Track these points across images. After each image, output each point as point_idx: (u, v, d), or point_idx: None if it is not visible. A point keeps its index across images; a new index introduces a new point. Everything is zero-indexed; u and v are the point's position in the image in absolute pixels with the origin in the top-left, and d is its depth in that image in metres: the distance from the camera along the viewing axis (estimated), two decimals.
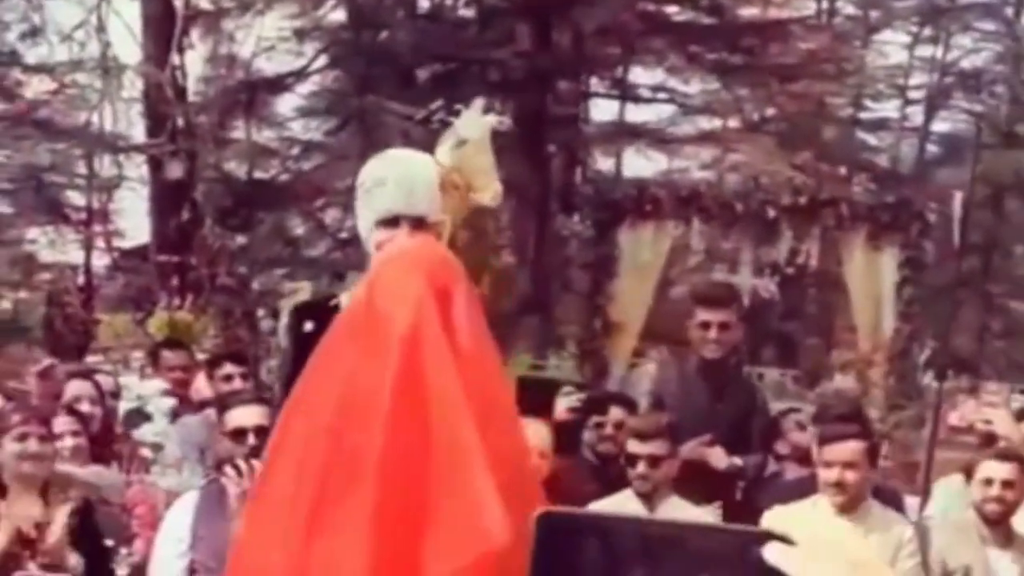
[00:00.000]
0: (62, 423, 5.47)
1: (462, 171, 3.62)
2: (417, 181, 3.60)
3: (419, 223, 3.57)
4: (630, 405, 6.51)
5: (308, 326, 3.85)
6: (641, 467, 5.48)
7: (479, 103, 3.70)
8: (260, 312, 17.84)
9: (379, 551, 3.03)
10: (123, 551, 5.08)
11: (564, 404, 5.79)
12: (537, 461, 4.90)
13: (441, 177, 3.61)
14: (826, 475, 5.26)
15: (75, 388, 6.31)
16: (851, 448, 5.24)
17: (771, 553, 1.27)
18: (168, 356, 7.66)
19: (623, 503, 5.47)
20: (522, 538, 2.97)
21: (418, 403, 3.12)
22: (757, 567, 1.27)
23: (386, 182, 3.62)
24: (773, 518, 5.07)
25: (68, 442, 5.29)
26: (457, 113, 3.69)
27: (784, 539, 1.29)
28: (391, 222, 3.59)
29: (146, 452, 5.14)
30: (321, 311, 3.79)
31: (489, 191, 3.68)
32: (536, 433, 5.08)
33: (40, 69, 22.64)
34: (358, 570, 3.02)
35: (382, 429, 3.10)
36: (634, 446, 5.54)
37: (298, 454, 3.23)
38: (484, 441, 3.10)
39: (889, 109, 28.89)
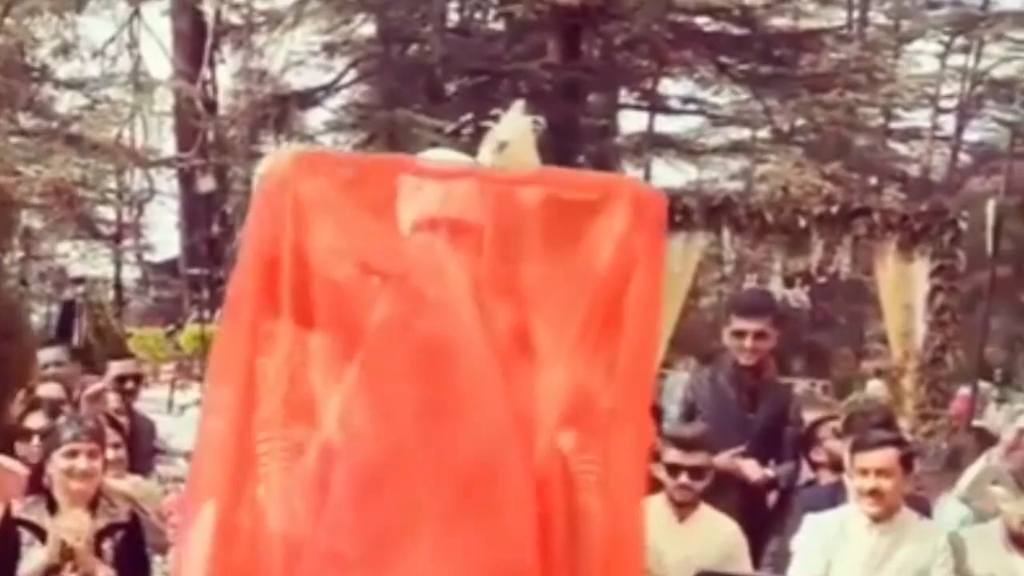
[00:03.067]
0: None
1: (505, 172, 3.53)
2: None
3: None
4: (655, 412, 6.50)
5: None
6: (683, 478, 5.45)
7: (519, 104, 3.62)
8: None
9: None
10: (158, 559, 5.09)
11: None
12: None
13: None
14: (860, 483, 5.21)
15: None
16: (886, 455, 5.19)
17: None
18: (114, 366, 7.60)
19: (653, 508, 5.45)
20: None
21: None
22: None
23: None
24: None
25: (108, 454, 5.31)
26: (487, 125, 3.64)
27: None
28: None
29: (181, 461, 5.15)
30: None
31: None
32: None
33: (72, 84, 22.82)
34: None
35: None
36: (676, 457, 5.49)
37: None
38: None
39: (920, 118, 28.77)
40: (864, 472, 5.21)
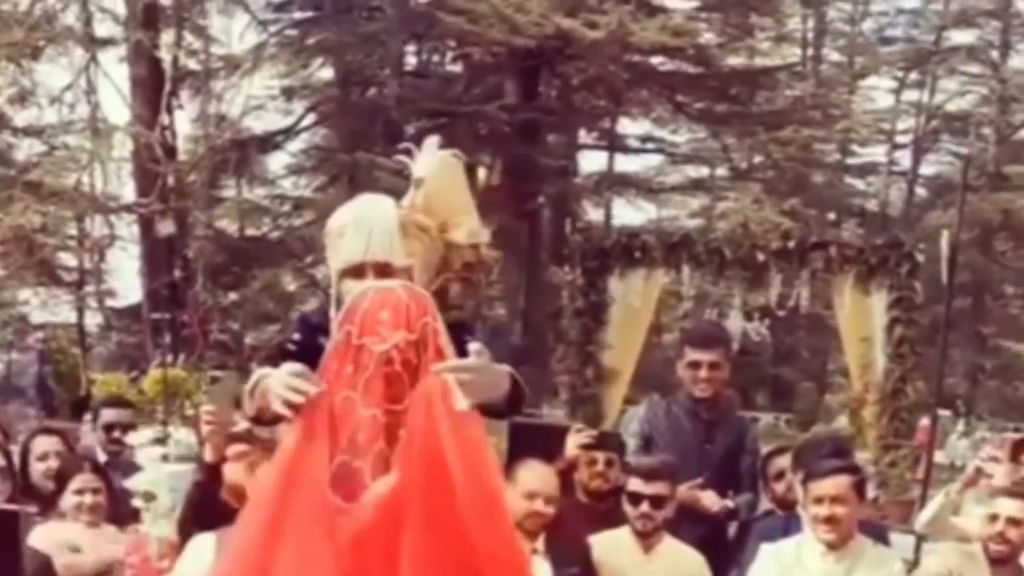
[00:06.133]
0: (81, 480, 5.41)
1: (430, 211, 3.53)
2: (375, 226, 3.52)
3: (385, 270, 3.50)
4: (620, 445, 6.53)
5: None
6: (645, 507, 5.47)
7: (432, 140, 3.61)
8: (254, 367, 17.80)
9: None
10: None
11: (575, 441, 5.84)
12: (543, 506, 5.01)
13: (402, 219, 3.53)
14: (815, 511, 5.24)
15: (42, 444, 6.19)
16: (839, 482, 5.22)
17: None
18: (107, 413, 7.27)
19: (619, 541, 5.47)
20: None
21: None
22: None
23: (345, 231, 3.56)
24: None
25: (87, 499, 5.25)
26: None
27: None
28: (357, 272, 3.53)
29: (137, 502, 5.10)
30: None
31: (463, 228, 3.59)
32: (540, 477, 5.12)
33: (29, 132, 22.77)
34: None
35: None
36: (637, 485, 5.51)
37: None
38: None
39: (876, 153, 29.08)
40: (818, 500, 5.23)
